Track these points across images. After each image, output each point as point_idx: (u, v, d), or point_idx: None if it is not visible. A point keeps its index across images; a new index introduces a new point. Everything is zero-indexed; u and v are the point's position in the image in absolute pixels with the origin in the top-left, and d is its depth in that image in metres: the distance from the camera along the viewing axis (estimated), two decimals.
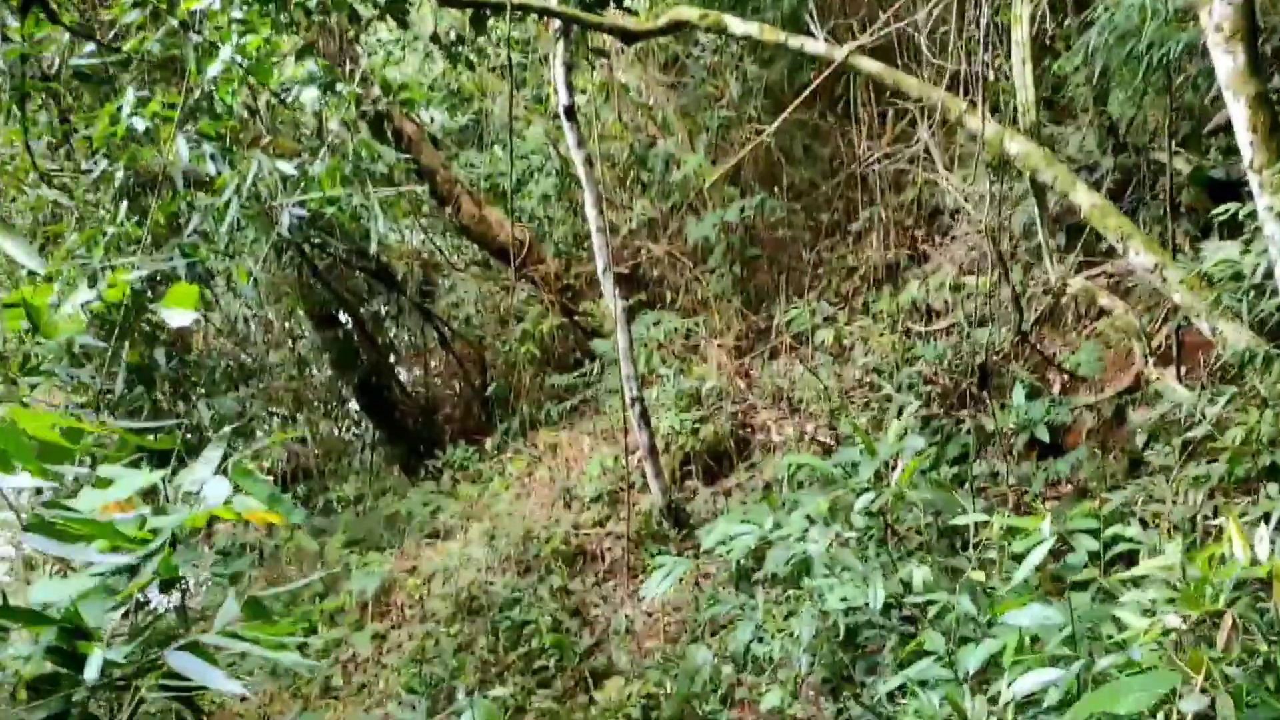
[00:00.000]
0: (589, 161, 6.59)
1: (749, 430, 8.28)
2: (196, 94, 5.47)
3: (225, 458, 2.48)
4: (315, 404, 13.62)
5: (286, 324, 12.53)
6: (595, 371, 9.07)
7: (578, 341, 10.15)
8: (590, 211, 6.65)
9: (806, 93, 6.69)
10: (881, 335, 8.46)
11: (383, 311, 12.21)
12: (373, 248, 7.61)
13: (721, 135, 9.78)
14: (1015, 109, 6.09)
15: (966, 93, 6.13)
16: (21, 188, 6.81)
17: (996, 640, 3.28)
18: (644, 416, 7.01)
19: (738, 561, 4.90)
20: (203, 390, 9.68)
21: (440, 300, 12.08)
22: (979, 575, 3.74)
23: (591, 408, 9.42)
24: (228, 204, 6.19)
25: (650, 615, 7.04)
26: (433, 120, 11.02)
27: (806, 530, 4.34)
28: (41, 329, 3.00)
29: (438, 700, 6.81)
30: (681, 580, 6.29)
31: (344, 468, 14.21)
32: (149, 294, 8.55)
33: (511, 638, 7.05)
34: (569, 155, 9.93)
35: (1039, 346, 7.22)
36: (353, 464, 14.19)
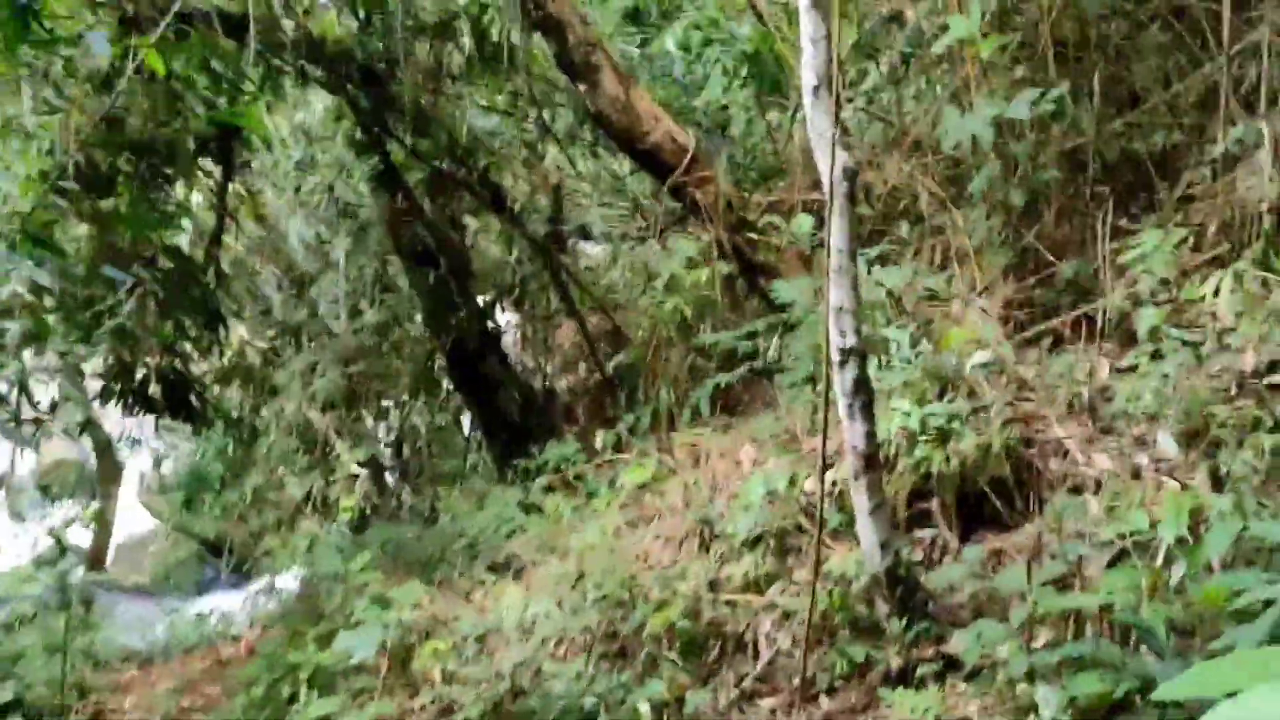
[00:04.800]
0: None
1: (1032, 452, 4.69)
2: None
3: None
4: (409, 379, 10.72)
5: (378, 266, 9.56)
6: (772, 333, 5.63)
7: (752, 300, 6.76)
8: None
9: None
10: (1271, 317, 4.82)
11: (485, 250, 9.11)
12: None
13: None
14: None
15: None
16: None
17: None
18: (861, 392, 3.58)
19: None
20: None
21: (571, 245, 8.93)
22: None
23: (761, 395, 6.01)
24: None
25: None
26: None
27: None
28: None
29: None
30: None
31: (460, 467, 11.34)
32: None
33: None
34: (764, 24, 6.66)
35: None
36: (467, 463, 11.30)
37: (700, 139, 6.86)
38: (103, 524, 12.91)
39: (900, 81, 6.60)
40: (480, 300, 9.13)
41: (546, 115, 7.35)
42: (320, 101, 8.05)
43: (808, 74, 3.47)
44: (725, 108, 7.43)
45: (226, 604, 12.47)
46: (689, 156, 6.62)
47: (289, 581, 11.18)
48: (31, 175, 6.19)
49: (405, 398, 11.39)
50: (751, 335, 5.62)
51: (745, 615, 4.24)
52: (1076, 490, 4.33)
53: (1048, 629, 3.14)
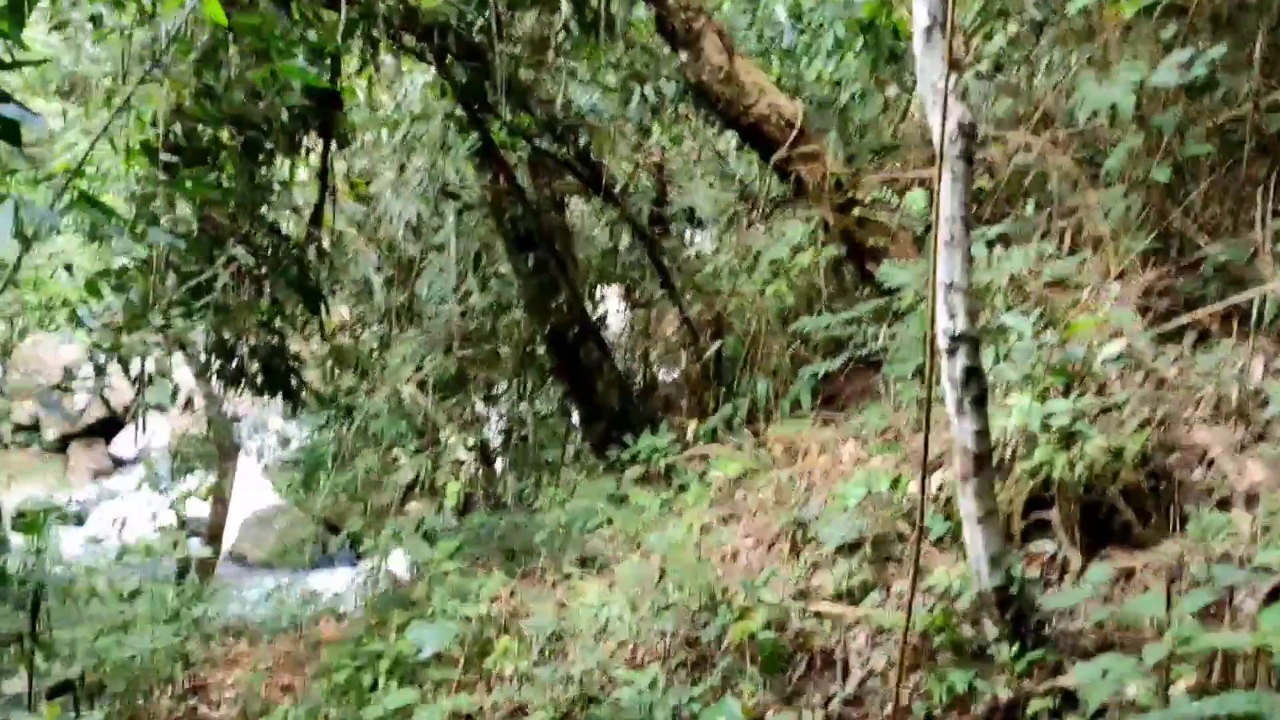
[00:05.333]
0: None
1: (1171, 459, 4.15)
2: None
3: None
4: (512, 364, 10.51)
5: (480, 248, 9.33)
6: (879, 320, 5.18)
7: (862, 287, 6.30)
8: None
9: None
10: None
11: (586, 232, 8.80)
12: None
13: None
14: None
15: None
16: None
17: None
18: (973, 384, 3.14)
19: None
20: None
21: (674, 228, 8.57)
22: None
23: (866, 387, 5.56)
24: None
25: None
26: None
27: None
28: None
29: None
30: None
31: (563, 455, 11.10)
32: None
33: None
34: None
35: None
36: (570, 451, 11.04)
37: (809, 113, 6.43)
38: (219, 499, 13.07)
39: (1031, 50, 6.05)
40: (582, 285, 8.86)
41: (648, 90, 6.99)
42: (421, 77, 7.87)
43: (920, 11, 3.03)
44: (838, 81, 6.97)
45: (340, 582, 12.55)
46: (795, 131, 6.19)
47: (399, 562, 11.13)
48: (132, 147, 6.14)
49: (510, 383, 11.22)
50: (856, 322, 5.17)
51: (836, 629, 3.84)
52: (1224, 505, 3.79)
53: (1190, 670, 2.66)
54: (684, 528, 4.93)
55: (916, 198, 5.16)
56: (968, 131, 2.89)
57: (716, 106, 6.36)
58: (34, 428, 20.36)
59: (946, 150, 2.85)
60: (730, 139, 7.70)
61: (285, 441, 15.19)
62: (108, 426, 20.64)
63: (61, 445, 20.59)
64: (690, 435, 6.21)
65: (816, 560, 4.30)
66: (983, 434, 3.21)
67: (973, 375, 3.17)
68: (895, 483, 4.46)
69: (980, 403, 3.19)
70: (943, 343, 3.14)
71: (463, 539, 6.66)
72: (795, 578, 4.16)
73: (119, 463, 20.56)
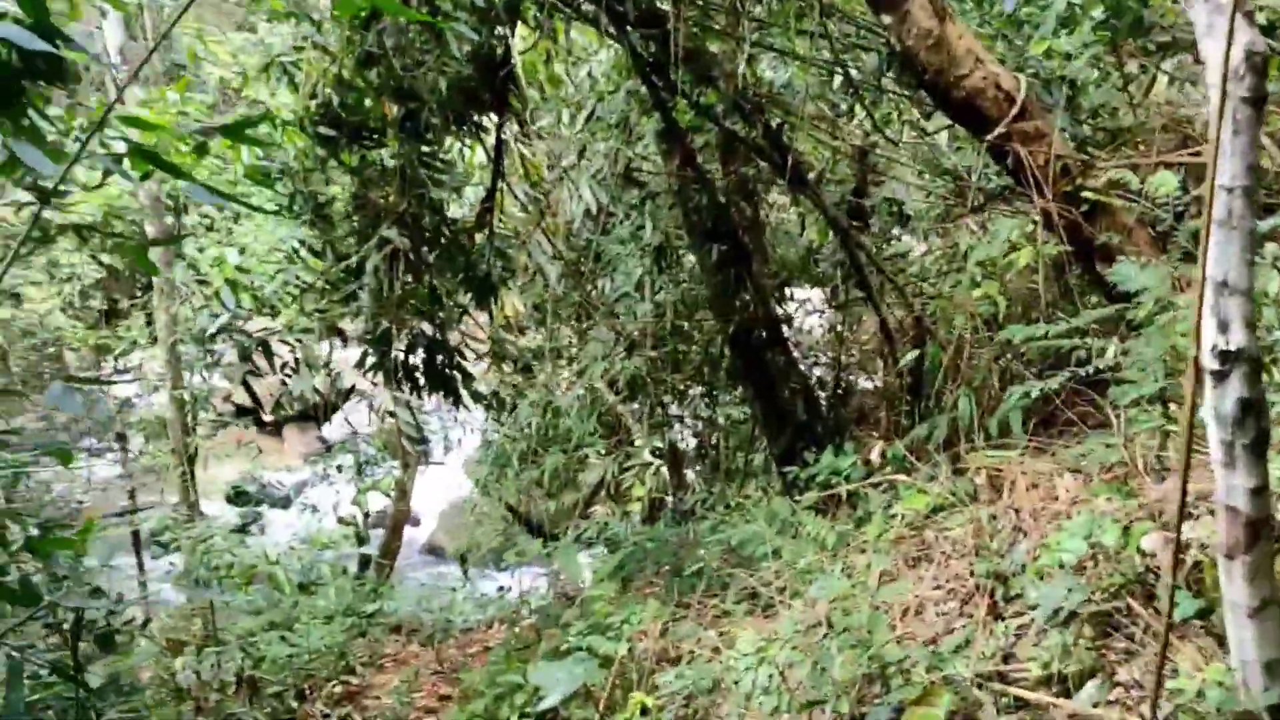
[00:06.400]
0: None
1: None
2: None
3: None
4: (696, 367, 9.87)
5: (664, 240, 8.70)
6: (1110, 331, 4.23)
7: (1090, 294, 5.31)
8: None
9: None
10: None
11: (778, 225, 8.03)
12: None
13: None
14: None
15: None
16: None
17: None
18: (1250, 423, 2.26)
19: None
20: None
21: (877, 224, 7.70)
22: None
23: (1091, 413, 4.60)
24: None
25: None
26: None
27: None
28: None
29: None
30: None
31: (748, 466, 10.42)
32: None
33: None
34: None
35: None
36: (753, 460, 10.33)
37: (1033, 86, 5.48)
38: (402, 492, 13.03)
39: None
40: (771, 282, 8.12)
41: (848, 61, 6.17)
42: (607, 54, 7.33)
43: None
44: (1069, 55, 5.96)
45: (527, 581, 12.19)
46: (1017, 107, 5.27)
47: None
48: (287, 119, 5.86)
49: (698, 387, 10.62)
50: (1080, 333, 4.24)
51: None
52: None
53: None
54: (859, 571, 4.16)
55: (1166, 179, 4.18)
56: (1258, 65, 2.02)
57: (924, 77, 5.49)
58: (253, 409, 21.25)
59: (1230, 90, 1.99)
60: (941, 124, 6.80)
61: (482, 433, 15.06)
62: (322, 410, 21.35)
63: (277, 427, 21.44)
64: (877, 456, 5.38)
65: (1020, 627, 3.45)
66: (1261, 493, 2.33)
67: (1250, 410, 2.29)
68: (1125, 534, 3.55)
69: (1259, 449, 2.31)
70: (1209, 362, 2.27)
71: (622, 558, 6.08)
72: (991, 650, 3.33)
73: (330, 446, 21.19)
